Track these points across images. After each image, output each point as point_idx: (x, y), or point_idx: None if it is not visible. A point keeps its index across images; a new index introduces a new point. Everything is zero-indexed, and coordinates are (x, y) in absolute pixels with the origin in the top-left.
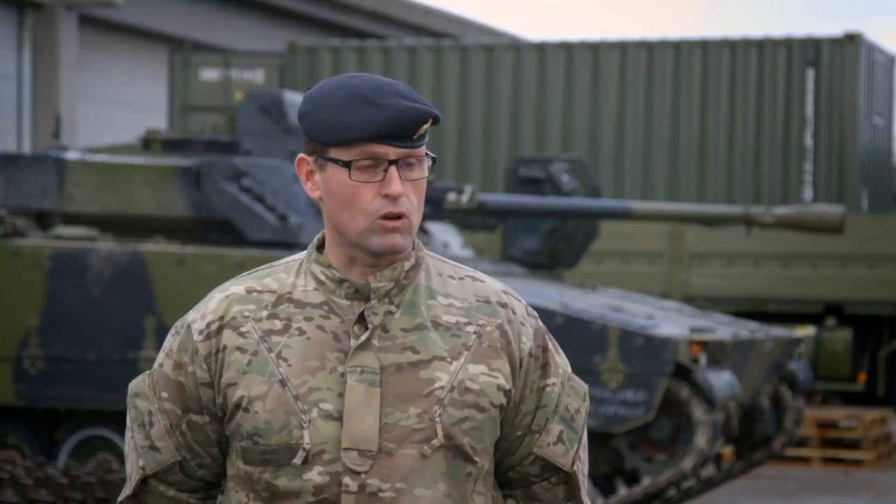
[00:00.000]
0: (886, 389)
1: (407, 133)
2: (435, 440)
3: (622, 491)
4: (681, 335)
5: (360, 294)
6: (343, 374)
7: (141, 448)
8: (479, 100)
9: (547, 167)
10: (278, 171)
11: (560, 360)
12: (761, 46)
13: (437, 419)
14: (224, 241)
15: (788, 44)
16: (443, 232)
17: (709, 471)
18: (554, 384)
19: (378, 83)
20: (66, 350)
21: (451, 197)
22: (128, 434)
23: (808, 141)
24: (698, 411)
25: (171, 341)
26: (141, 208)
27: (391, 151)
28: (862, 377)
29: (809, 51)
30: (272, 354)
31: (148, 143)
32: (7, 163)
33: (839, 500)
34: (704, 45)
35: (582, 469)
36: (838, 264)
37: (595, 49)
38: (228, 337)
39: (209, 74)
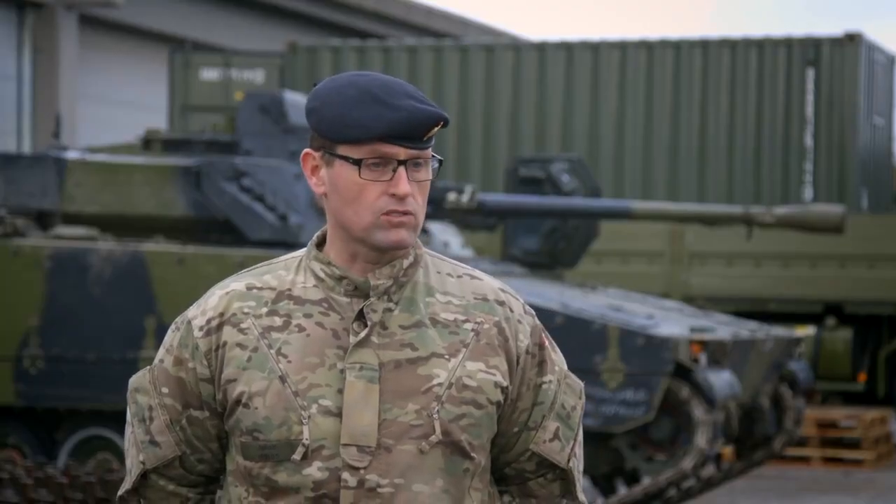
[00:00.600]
0: (886, 389)
1: (417, 135)
2: (433, 436)
3: (622, 491)
4: (681, 335)
5: (360, 291)
6: (342, 371)
7: (141, 443)
8: (480, 100)
9: (547, 167)
10: (278, 171)
11: (556, 358)
12: (761, 46)
13: (436, 415)
14: (224, 240)
15: (788, 44)
16: (443, 231)
17: (709, 471)
18: (550, 381)
19: (388, 82)
20: (67, 350)
21: (452, 197)
22: (128, 429)
23: (808, 141)
24: (698, 411)
25: (171, 337)
26: (141, 208)
27: (401, 152)
28: (862, 377)
29: (809, 51)
30: (272, 351)
31: (148, 143)
32: (7, 163)
33: (839, 500)
34: (704, 45)
35: (577, 466)
36: (838, 264)
37: (595, 49)
38: (229, 333)
39: (209, 74)
